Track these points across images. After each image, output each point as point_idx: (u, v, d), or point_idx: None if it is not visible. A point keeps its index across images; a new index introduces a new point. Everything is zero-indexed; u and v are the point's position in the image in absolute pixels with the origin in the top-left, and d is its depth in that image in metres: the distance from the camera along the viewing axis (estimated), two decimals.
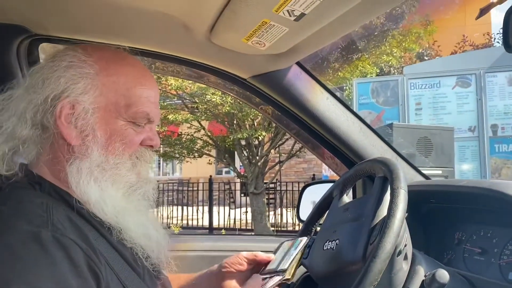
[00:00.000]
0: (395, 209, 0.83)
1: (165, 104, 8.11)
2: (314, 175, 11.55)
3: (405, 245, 0.91)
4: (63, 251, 0.71)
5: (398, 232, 0.82)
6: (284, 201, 10.05)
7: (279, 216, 9.78)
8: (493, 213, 1.14)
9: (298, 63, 1.33)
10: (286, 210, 9.69)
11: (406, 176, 0.94)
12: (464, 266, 1.21)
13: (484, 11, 0.74)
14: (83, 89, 0.87)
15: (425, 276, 0.93)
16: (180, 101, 8.39)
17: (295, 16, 0.96)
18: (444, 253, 1.30)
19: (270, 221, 9.24)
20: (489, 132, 6.33)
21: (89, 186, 0.83)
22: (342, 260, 0.95)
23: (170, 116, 7.94)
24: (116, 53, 0.96)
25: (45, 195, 0.82)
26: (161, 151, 9.73)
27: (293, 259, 1.08)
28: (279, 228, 9.51)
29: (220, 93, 7.12)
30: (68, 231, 0.75)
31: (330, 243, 1.03)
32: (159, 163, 18.97)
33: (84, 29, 1.18)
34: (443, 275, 0.89)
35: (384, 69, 10.39)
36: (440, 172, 3.14)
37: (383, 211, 0.92)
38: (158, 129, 7.17)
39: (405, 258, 0.93)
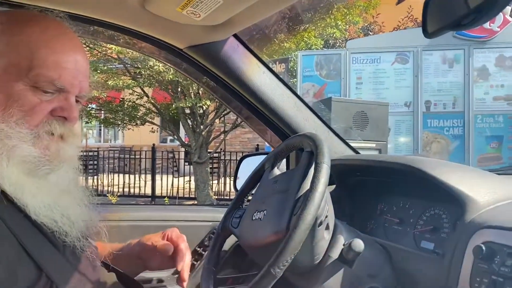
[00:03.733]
0: (317, 183, 0.88)
1: (105, 68, 7.77)
2: (258, 145, 11.68)
3: (326, 216, 0.96)
4: None
5: (319, 205, 0.86)
6: (228, 170, 10.13)
7: (222, 185, 9.87)
8: (410, 186, 1.22)
9: (235, 36, 1.33)
10: (230, 179, 9.78)
11: (330, 152, 0.98)
12: (384, 235, 1.30)
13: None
14: None
15: (343, 245, 1.00)
16: (122, 66, 8.07)
17: None
18: (367, 223, 1.39)
19: (213, 190, 9.31)
20: (423, 107, 6.69)
21: None
22: (268, 230, 0.99)
23: (110, 82, 7.63)
24: (26, 14, 0.89)
25: None
26: (102, 117, 9.39)
27: None
28: (222, 197, 9.61)
29: None
30: None
31: (258, 213, 1.07)
32: (100, 130, 18.34)
33: None
34: (359, 244, 0.95)
35: (330, 42, 10.55)
36: (374, 145, 3.29)
37: (308, 184, 0.96)
38: (97, 94, 6.78)
39: (327, 228, 0.99)
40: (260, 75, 1.34)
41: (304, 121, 1.40)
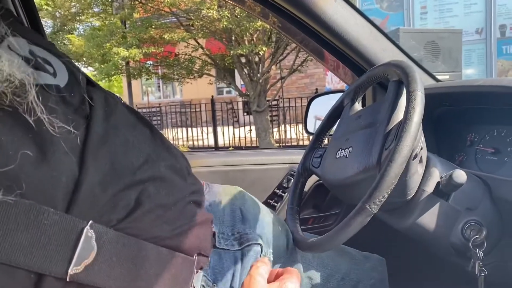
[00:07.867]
0: (412, 112, 0.80)
1: (160, 23, 7.79)
2: (317, 89, 11.46)
3: (421, 148, 0.89)
4: None
5: (415, 136, 0.80)
6: (287, 117, 10.09)
7: (283, 132, 9.87)
8: (509, 112, 1.11)
9: None
10: (290, 126, 9.75)
11: (422, 79, 0.89)
12: (476, 167, 1.21)
13: None
14: None
15: (441, 178, 0.93)
16: (175, 19, 8.05)
17: None
18: (456, 155, 1.30)
19: (274, 138, 9.35)
20: (497, 33, 6.11)
21: None
22: (356, 167, 0.94)
23: (166, 36, 7.66)
24: None
25: None
26: (160, 73, 9.57)
27: None
28: (284, 144, 9.65)
29: (216, 7, 6.80)
30: None
31: (343, 151, 1.02)
32: (159, 86, 18.82)
33: None
34: (461, 175, 0.88)
35: None
36: (447, 77, 3.06)
37: (399, 115, 0.89)
38: (155, 50, 6.91)
39: (420, 161, 0.92)
40: (331, 4, 1.24)
41: (382, 51, 1.29)
